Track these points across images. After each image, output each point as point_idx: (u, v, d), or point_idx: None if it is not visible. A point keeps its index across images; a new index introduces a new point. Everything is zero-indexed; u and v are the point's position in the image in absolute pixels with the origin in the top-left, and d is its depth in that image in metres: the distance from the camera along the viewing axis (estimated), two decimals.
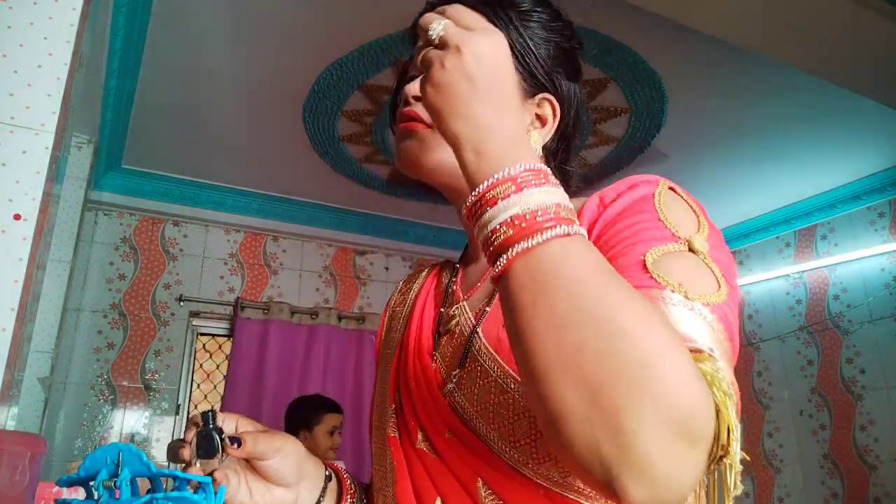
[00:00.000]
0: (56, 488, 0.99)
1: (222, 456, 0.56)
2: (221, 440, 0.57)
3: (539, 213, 0.43)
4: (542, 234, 0.42)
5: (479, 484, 0.57)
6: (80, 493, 0.52)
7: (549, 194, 0.44)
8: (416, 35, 0.72)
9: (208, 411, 0.57)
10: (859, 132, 2.84)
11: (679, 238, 0.53)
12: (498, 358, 0.59)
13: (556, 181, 0.46)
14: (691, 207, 0.58)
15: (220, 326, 3.49)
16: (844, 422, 3.30)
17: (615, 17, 2.10)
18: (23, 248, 1.10)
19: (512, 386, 0.57)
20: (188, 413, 3.30)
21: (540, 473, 0.54)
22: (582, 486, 0.54)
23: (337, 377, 3.53)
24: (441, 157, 0.64)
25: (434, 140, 0.63)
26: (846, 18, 1.92)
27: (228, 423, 0.60)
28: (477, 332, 0.63)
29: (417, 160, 0.65)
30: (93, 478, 0.51)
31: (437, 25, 0.48)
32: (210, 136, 2.95)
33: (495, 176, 0.45)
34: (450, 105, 0.47)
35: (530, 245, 0.42)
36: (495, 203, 0.44)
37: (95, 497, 0.50)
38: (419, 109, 0.64)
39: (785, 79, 2.43)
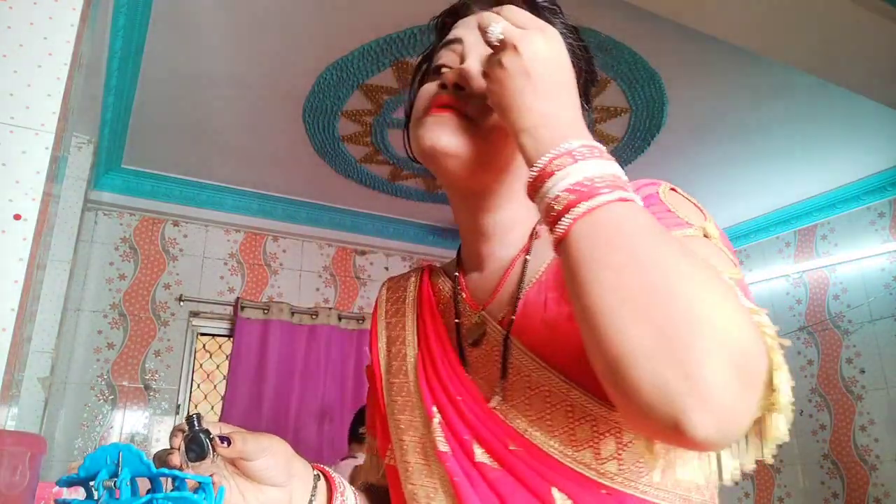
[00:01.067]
0: (56, 488, 1.00)
1: (214, 456, 0.56)
2: (210, 440, 0.56)
3: (597, 179, 0.47)
4: (602, 195, 0.46)
5: (555, 492, 0.56)
6: (80, 493, 0.52)
7: (606, 165, 0.48)
8: (444, 24, 0.74)
9: (192, 415, 0.57)
10: (859, 132, 2.84)
11: (692, 225, 0.57)
12: (546, 366, 0.59)
13: (610, 156, 0.49)
14: (694, 204, 0.62)
15: (220, 326, 3.49)
16: (844, 422, 3.30)
17: (615, 17, 2.10)
18: (23, 248, 1.10)
19: (564, 391, 0.57)
20: (188, 413, 3.30)
21: (604, 473, 0.55)
22: (641, 482, 0.55)
23: (337, 377, 3.53)
24: (476, 151, 0.62)
25: (471, 131, 0.62)
26: (846, 18, 1.92)
27: (212, 429, 0.59)
28: (513, 342, 0.62)
29: (450, 147, 0.62)
30: (93, 478, 0.50)
31: (496, 27, 0.52)
32: (210, 136, 2.95)
33: (555, 150, 0.49)
34: (511, 100, 0.51)
35: (593, 206, 0.46)
36: (553, 174, 0.48)
37: (95, 497, 0.50)
38: (459, 97, 0.63)
39: (785, 79, 2.43)
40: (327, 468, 0.70)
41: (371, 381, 0.81)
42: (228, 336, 3.50)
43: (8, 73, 1.17)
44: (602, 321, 0.44)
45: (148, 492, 0.50)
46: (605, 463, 0.55)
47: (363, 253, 3.94)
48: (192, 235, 3.49)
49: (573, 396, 0.57)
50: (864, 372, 3.25)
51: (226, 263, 3.54)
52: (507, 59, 0.51)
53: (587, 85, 0.73)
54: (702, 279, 0.43)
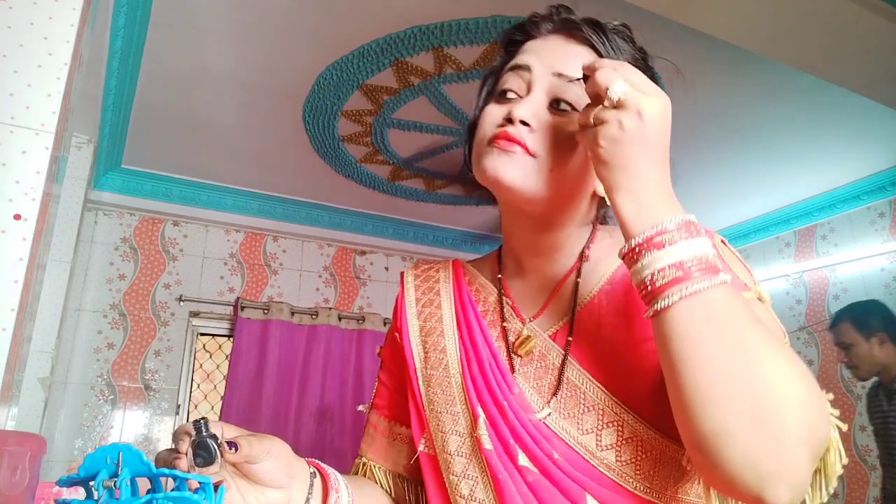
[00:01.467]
0: (56, 488, 1.00)
1: (222, 462, 0.56)
2: (218, 445, 0.56)
3: (700, 260, 0.51)
4: (707, 279, 0.50)
5: (589, 499, 0.61)
6: (80, 493, 0.52)
7: (705, 245, 0.52)
8: (510, 42, 0.75)
9: (199, 420, 0.56)
10: (859, 132, 2.84)
11: (749, 287, 0.62)
12: (603, 388, 0.64)
13: (703, 230, 0.54)
14: (740, 260, 0.67)
15: (220, 326, 3.49)
16: (844, 422, 3.29)
17: (614, 17, 2.10)
18: (23, 248, 1.10)
19: (617, 411, 0.63)
20: (188, 413, 3.30)
21: (637, 487, 0.61)
22: (666, 495, 0.61)
23: (337, 377, 3.53)
24: (539, 187, 0.65)
25: (536, 170, 0.64)
26: (846, 18, 1.92)
27: (215, 429, 0.59)
28: (571, 362, 0.66)
29: (513, 182, 0.64)
30: (93, 478, 0.50)
31: (619, 87, 0.54)
32: (210, 136, 2.95)
33: (662, 224, 0.52)
34: (622, 160, 0.54)
35: (698, 289, 0.50)
36: (662, 247, 0.52)
37: (95, 497, 0.50)
38: (524, 134, 0.65)
39: (785, 79, 2.43)
40: (321, 463, 0.70)
41: (392, 365, 0.84)
42: (228, 336, 3.50)
43: (8, 73, 1.17)
44: (699, 398, 0.49)
45: (148, 492, 0.50)
46: (642, 479, 0.61)
47: (363, 253, 3.94)
48: (192, 235, 3.49)
49: (625, 417, 0.62)
50: None
51: (226, 263, 3.54)
52: (629, 121, 0.53)
53: None
54: (791, 366, 0.50)
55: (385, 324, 3.71)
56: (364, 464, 0.82)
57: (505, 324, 0.73)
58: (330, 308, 3.64)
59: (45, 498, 1.01)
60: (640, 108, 0.53)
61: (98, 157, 2.87)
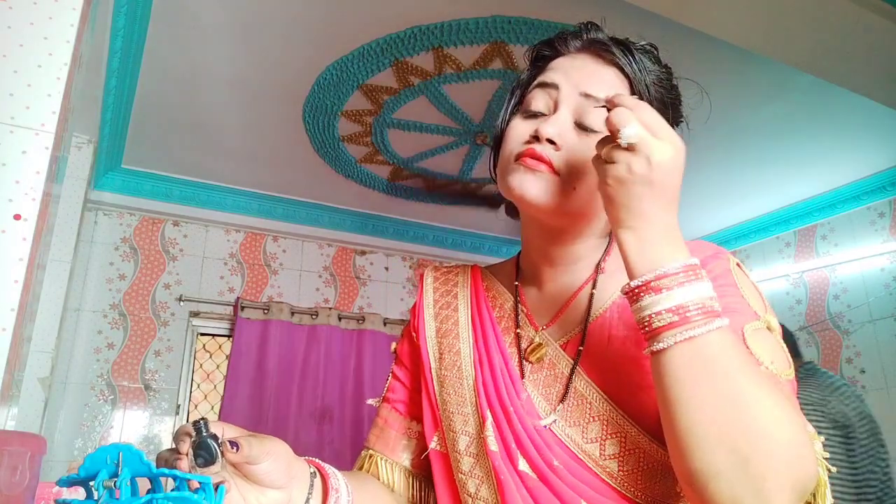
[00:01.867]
0: (56, 488, 1.00)
1: (223, 462, 0.56)
2: (219, 445, 0.56)
3: (697, 304, 0.53)
4: (703, 325, 0.52)
5: None
6: (80, 493, 0.52)
7: (705, 289, 0.54)
8: (538, 56, 0.76)
9: (199, 420, 0.56)
10: (859, 132, 2.84)
11: (759, 316, 0.63)
12: (608, 399, 0.65)
13: (704, 273, 0.55)
14: (755, 286, 0.69)
15: (220, 326, 3.49)
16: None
17: (615, 17, 2.10)
18: (23, 248, 1.10)
19: (620, 422, 0.64)
20: (188, 413, 3.30)
21: (639, 496, 0.63)
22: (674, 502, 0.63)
23: (337, 377, 3.53)
24: (562, 204, 0.67)
25: (559, 187, 0.66)
26: (846, 18, 1.92)
27: (215, 429, 0.59)
28: (579, 372, 0.68)
29: (537, 199, 0.66)
30: (93, 478, 0.50)
31: (632, 130, 0.54)
32: (210, 136, 2.95)
33: (662, 269, 0.54)
34: (627, 200, 0.55)
35: (695, 334, 0.52)
36: (660, 291, 0.53)
37: (95, 497, 0.50)
38: (550, 152, 0.67)
39: (785, 79, 2.43)
40: (321, 462, 0.70)
41: (409, 362, 0.85)
42: (228, 336, 3.50)
43: (8, 73, 1.17)
44: (690, 438, 0.51)
45: (148, 492, 0.50)
46: (643, 488, 0.63)
47: (363, 253, 3.94)
48: (192, 235, 3.49)
49: (627, 428, 0.63)
50: (864, 372, 3.25)
51: (226, 263, 3.54)
52: (637, 166, 0.54)
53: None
54: (781, 411, 0.51)
55: (385, 324, 3.71)
56: (371, 455, 0.83)
57: (519, 330, 0.75)
58: (330, 308, 3.64)
59: (45, 498, 1.01)
60: (651, 153, 0.54)
61: (98, 157, 2.87)
